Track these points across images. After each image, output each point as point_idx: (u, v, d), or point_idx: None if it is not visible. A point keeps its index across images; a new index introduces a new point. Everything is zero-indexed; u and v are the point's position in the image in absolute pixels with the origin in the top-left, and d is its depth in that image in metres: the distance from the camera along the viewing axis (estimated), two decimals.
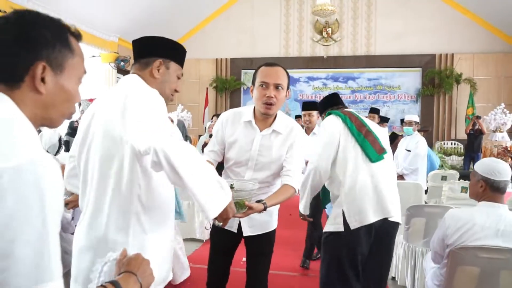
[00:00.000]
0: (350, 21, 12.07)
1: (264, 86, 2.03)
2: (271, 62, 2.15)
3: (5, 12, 4.03)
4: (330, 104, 2.55)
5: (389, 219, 2.23)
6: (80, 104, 7.03)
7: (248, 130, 2.09)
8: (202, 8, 12.06)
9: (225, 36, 12.47)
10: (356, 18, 12.03)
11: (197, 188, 1.36)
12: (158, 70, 1.60)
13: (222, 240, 2.23)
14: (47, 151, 4.23)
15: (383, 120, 6.60)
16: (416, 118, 5.49)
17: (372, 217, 2.19)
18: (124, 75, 11.39)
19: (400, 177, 5.23)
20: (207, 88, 12.46)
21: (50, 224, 0.77)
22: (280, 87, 2.02)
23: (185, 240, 3.91)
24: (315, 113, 4.12)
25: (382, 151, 2.26)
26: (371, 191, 2.19)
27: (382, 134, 2.37)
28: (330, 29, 12.04)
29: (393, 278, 3.63)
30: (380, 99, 12.01)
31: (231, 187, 1.75)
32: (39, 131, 5.42)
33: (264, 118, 2.08)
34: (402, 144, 5.46)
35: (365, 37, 12.01)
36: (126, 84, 1.56)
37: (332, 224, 2.28)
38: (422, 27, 11.44)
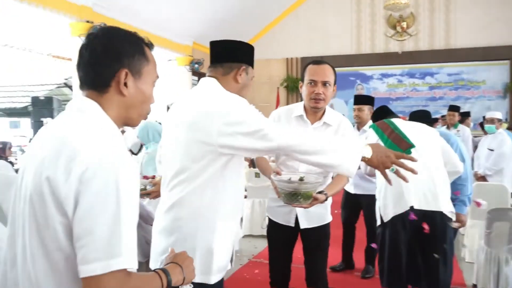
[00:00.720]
0: (426, 13, 11.44)
1: (312, 83, 2.19)
2: (318, 60, 2.31)
3: (92, 22, 4.44)
4: (380, 117, 2.78)
5: (416, 207, 2.34)
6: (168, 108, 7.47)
7: (300, 124, 2.23)
8: (272, 8, 12.17)
9: (295, 35, 12.47)
10: (433, 10, 11.36)
11: (330, 159, 1.50)
12: (241, 75, 1.68)
13: (280, 236, 2.31)
14: (130, 149, 4.55)
15: (464, 115, 6.20)
16: (499, 115, 5.09)
17: (391, 212, 2.42)
18: (198, 77, 11.92)
19: (482, 178, 4.88)
20: (278, 88, 12.56)
21: (124, 211, 0.92)
22: (327, 84, 2.16)
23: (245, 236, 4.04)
24: (366, 108, 3.93)
25: (408, 146, 2.35)
26: (393, 187, 2.20)
27: (414, 130, 2.52)
28: (404, 23, 11.52)
29: (475, 286, 3.41)
30: (462, 95, 11.22)
31: (301, 179, 1.90)
32: (123, 132, 5.85)
33: (314, 112, 2.22)
34: (483, 143, 5.09)
35: (443, 30, 11.31)
36: (209, 88, 1.64)
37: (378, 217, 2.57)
38: (509, 15, 10.50)
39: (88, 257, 0.89)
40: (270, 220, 2.39)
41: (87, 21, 7.46)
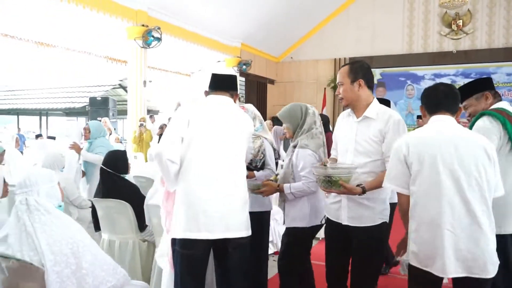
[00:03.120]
0: (485, 10, 10.88)
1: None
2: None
3: (147, 26, 4.64)
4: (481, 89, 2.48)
5: None
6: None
7: (349, 119, 2.36)
8: (321, 9, 12.05)
9: (344, 35, 12.29)
10: (493, 6, 10.79)
11: None
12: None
13: (332, 234, 2.33)
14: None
15: None
16: None
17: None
18: (246, 78, 12.08)
19: None
20: (325, 89, 12.44)
21: None
22: (339, 83, 2.32)
23: None
24: None
25: None
26: None
27: None
28: (460, 21, 11.03)
29: None
30: None
31: (324, 164, 2.18)
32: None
33: (353, 107, 2.33)
34: None
35: (503, 27, 10.71)
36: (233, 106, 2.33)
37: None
38: None
39: None
40: (326, 218, 2.48)
41: (142, 25, 7.78)
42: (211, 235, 2.03)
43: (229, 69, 11.14)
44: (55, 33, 7.81)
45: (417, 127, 9.53)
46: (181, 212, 2.07)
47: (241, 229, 2.12)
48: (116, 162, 2.87)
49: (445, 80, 11.42)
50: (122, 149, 4.05)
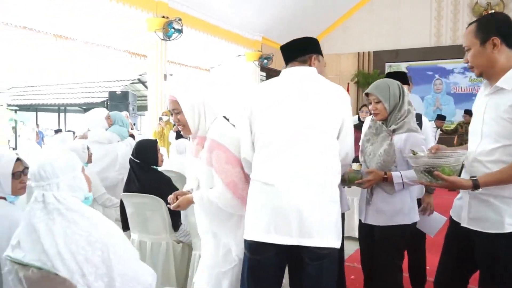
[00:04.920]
0: None
1: None
2: None
3: (168, 17, 4.33)
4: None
5: None
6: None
7: (483, 92, 1.82)
8: (344, 1, 11.67)
9: (368, 29, 11.86)
10: None
11: None
12: (314, 63, 1.86)
13: (452, 239, 1.89)
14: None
15: None
16: None
17: None
18: (267, 73, 11.75)
19: None
20: (348, 84, 12.03)
21: None
22: (466, 49, 1.87)
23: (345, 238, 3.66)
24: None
25: None
26: None
27: None
28: (493, 11, 10.49)
29: None
30: None
31: (413, 153, 1.80)
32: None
33: (488, 76, 1.76)
34: None
35: None
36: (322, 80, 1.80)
37: None
38: None
39: None
40: (450, 216, 2.11)
41: (163, 17, 7.54)
42: (282, 240, 1.61)
43: (250, 64, 10.85)
44: (74, 26, 7.62)
45: (463, 123, 8.94)
46: (250, 208, 1.72)
47: (325, 235, 1.62)
48: (146, 152, 2.55)
49: (472, 74, 10.90)
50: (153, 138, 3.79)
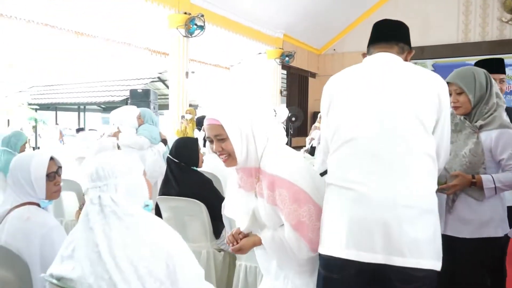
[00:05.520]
0: None
1: None
2: None
3: (190, 14, 4.10)
4: None
5: None
6: None
7: None
8: None
9: None
10: None
11: None
12: (407, 59, 1.59)
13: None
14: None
15: None
16: None
17: None
18: (288, 71, 11.51)
19: None
20: None
21: None
22: None
23: None
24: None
25: None
26: None
27: None
28: None
29: None
30: None
31: None
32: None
33: None
34: None
35: None
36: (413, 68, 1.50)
37: None
38: None
39: None
40: None
41: (185, 13, 7.39)
42: (364, 256, 1.33)
43: (271, 61, 10.62)
44: (96, 23, 7.52)
45: None
46: (326, 216, 1.45)
47: (420, 254, 1.32)
48: (186, 151, 2.32)
49: (507, 71, 10.49)
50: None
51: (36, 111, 12.09)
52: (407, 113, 1.39)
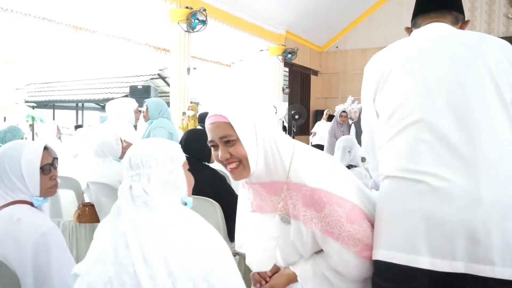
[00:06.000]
0: None
1: None
2: None
3: (191, 8, 3.83)
4: None
5: None
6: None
7: None
8: None
9: (396, 22, 11.32)
10: None
11: None
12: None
13: None
14: None
15: None
16: None
17: None
18: (290, 68, 11.32)
19: None
20: None
21: None
22: None
23: None
24: None
25: None
26: None
27: None
28: None
29: None
30: None
31: None
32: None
33: None
34: None
35: None
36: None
37: None
38: None
39: None
40: None
41: (186, 7, 7.20)
42: (441, 265, 1.05)
43: (273, 58, 10.43)
44: (94, 17, 7.31)
45: None
46: (385, 214, 1.17)
47: None
48: (197, 144, 2.09)
49: None
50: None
51: (33, 109, 11.88)
52: (484, 87, 1.13)
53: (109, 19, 7.50)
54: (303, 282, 1.27)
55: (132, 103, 3.47)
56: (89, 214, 2.55)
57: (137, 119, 3.49)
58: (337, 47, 12.29)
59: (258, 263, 1.33)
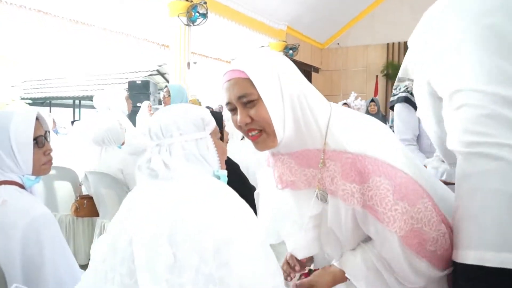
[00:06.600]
0: None
1: None
2: None
3: (191, 1, 3.62)
4: None
5: None
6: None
7: None
8: None
9: (399, 17, 11.20)
10: None
11: None
12: None
13: None
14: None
15: None
16: None
17: None
18: None
19: None
20: (377, 76, 11.40)
21: None
22: None
23: None
24: None
25: None
26: None
27: None
28: None
29: None
30: None
31: None
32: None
33: None
34: None
35: None
36: None
37: None
38: None
39: None
40: None
41: (187, 0, 7.02)
42: None
43: None
44: (92, 10, 7.12)
45: None
46: (469, 206, 0.89)
47: None
48: None
49: None
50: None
51: (29, 106, 11.70)
52: None
53: (106, 12, 7.32)
54: (356, 281, 1.03)
55: (121, 91, 3.35)
56: (87, 207, 2.41)
57: (129, 108, 3.36)
58: (338, 43, 12.15)
59: (302, 249, 1.12)
